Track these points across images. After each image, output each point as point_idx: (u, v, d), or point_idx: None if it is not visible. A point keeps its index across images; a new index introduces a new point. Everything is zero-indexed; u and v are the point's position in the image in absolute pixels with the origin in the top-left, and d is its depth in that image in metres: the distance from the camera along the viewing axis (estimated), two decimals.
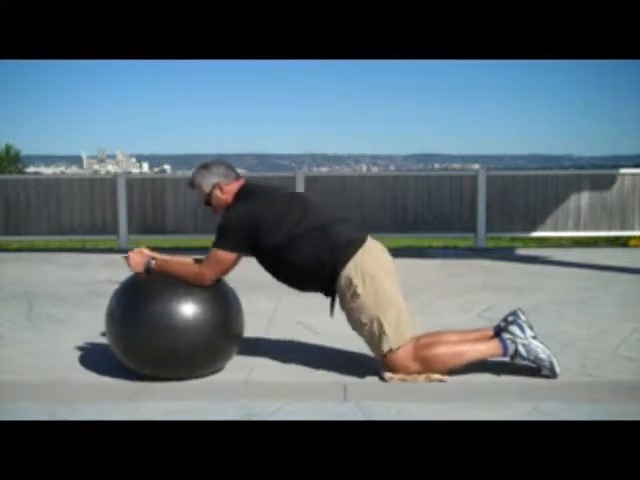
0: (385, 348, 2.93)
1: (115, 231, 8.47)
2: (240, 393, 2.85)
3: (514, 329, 3.02)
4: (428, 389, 2.87)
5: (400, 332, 2.94)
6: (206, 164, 3.19)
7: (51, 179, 9.31)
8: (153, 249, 3.19)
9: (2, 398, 2.77)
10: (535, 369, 2.99)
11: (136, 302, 2.95)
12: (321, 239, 2.97)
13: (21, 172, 29.97)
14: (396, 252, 8.59)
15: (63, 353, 3.49)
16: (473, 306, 4.56)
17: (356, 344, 3.48)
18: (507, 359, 3.02)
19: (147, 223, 8.53)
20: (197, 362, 3.00)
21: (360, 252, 2.97)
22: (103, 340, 3.67)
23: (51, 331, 4.00)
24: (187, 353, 2.92)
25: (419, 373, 2.95)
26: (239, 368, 3.19)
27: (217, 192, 3.10)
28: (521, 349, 2.98)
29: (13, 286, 5.64)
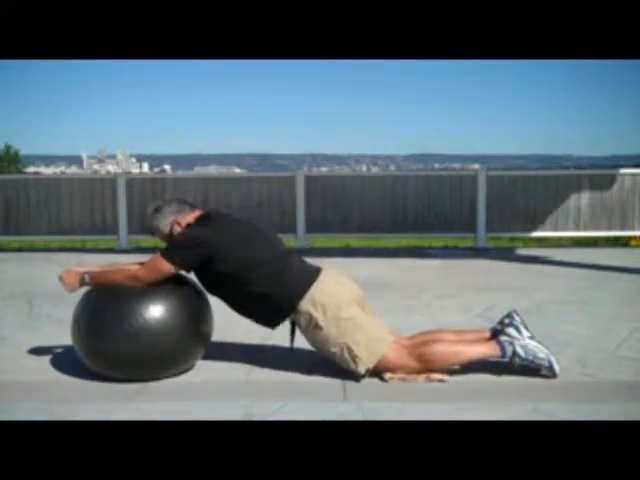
0: (362, 370, 2.94)
1: (115, 231, 8.47)
2: (240, 393, 2.85)
3: (511, 331, 3.03)
4: (428, 389, 2.87)
5: (372, 349, 2.93)
6: (157, 207, 3.20)
7: (51, 179, 9.31)
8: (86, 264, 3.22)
9: (2, 398, 2.78)
10: (534, 369, 2.99)
11: (100, 306, 2.96)
12: (277, 272, 2.99)
13: (21, 172, 29.97)
14: (396, 252, 8.60)
15: (63, 353, 3.49)
16: (473, 306, 4.56)
17: None
18: (506, 360, 3.02)
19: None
20: (162, 364, 2.99)
21: (315, 285, 2.99)
22: None
23: (51, 331, 4.00)
24: (152, 356, 2.92)
25: (417, 371, 2.96)
26: (239, 368, 3.19)
27: (176, 228, 3.13)
28: (519, 350, 2.98)
29: (13, 286, 5.64)
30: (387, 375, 2.97)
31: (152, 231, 3.22)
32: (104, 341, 2.90)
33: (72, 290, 3.07)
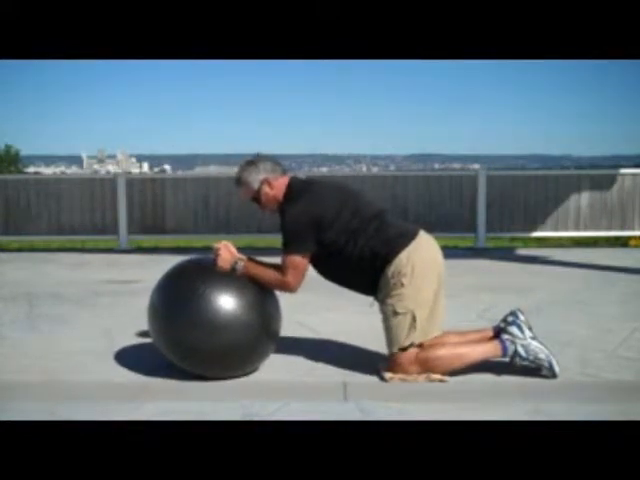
0: (407, 342, 2.92)
1: (115, 231, 8.47)
2: (240, 393, 2.85)
3: (513, 330, 3.03)
4: (428, 389, 2.87)
5: (426, 330, 2.95)
6: (252, 160, 3.15)
7: (51, 179, 9.31)
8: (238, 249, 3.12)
9: (2, 398, 2.78)
10: (535, 369, 2.99)
11: (180, 299, 2.90)
12: (376, 230, 2.98)
13: (21, 172, 29.98)
14: None
15: (63, 353, 3.49)
16: (473, 306, 4.55)
17: (356, 344, 3.49)
18: (507, 359, 3.02)
19: (147, 223, 8.53)
20: (239, 361, 2.98)
21: (414, 244, 2.98)
22: (104, 340, 3.67)
23: (51, 331, 4.00)
24: (230, 352, 2.90)
25: (419, 373, 2.95)
26: None
27: (266, 188, 3.08)
28: (520, 349, 2.98)
29: (13, 286, 5.64)
30: (387, 375, 2.97)
31: (240, 183, 3.14)
32: (185, 333, 2.86)
33: (222, 268, 2.97)
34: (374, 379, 3.00)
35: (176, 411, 2.59)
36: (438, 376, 2.95)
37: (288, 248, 2.96)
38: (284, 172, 3.15)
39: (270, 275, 3.00)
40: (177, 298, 2.92)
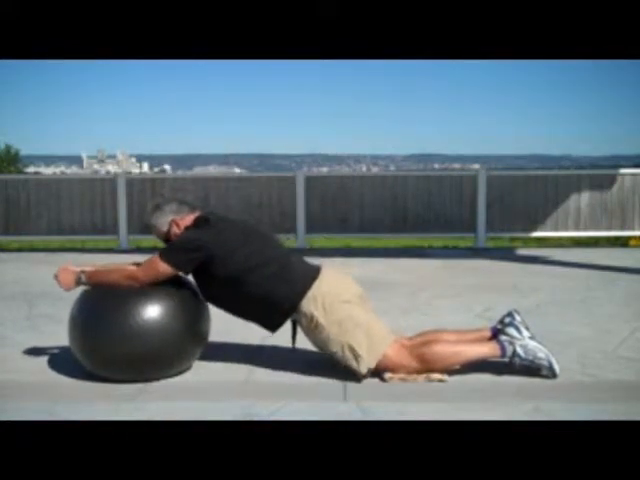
0: (364, 370, 2.93)
1: (115, 231, 8.47)
2: (240, 393, 2.85)
3: (511, 331, 3.03)
4: (428, 389, 2.87)
5: (374, 348, 2.93)
6: (157, 204, 3.22)
7: (51, 179, 9.31)
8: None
9: (2, 398, 2.78)
10: (534, 369, 2.99)
11: (96, 307, 2.96)
12: (277, 272, 2.99)
13: (21, 172, 29.97)
14: (396, 252, 8.60)
15: (63, 353, 3.48)
16: (473, 306, 4.55)
17: None
18: (506, 360, 3.02)
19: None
20: (159, 365, 2.99)
21: (317, 283, 2.99)
22: None
23: (51, 331, 4.00)
24: (149, 356, 2.92)
25: (418, 372, 2.96)
26: (239, 368, 3.19)
27: (174, 229, 3.13)
28: (519, 350, 2.98)
29: (13, 286, 5.64)
30: (387, 375, 2.97)
31: (150, 228, 3.23)
32: (100, 341, 2.90)
33: (68, 289, 3.08)
34: (374, 379, 3.00)
35: (176, 411, 2.59)
36: (438, 376, 2.95)
37: (161, 252, 2.99)
38: (192, 209, 3.20)
39: (115, 274, 3.04)
40: (93, 307, 2.96)
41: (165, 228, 3.16)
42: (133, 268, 3.05)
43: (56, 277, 3.09)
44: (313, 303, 2.95)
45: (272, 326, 3.11)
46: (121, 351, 2.88)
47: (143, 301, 2.92)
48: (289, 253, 3.16)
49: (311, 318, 2.95)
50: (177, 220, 3.13)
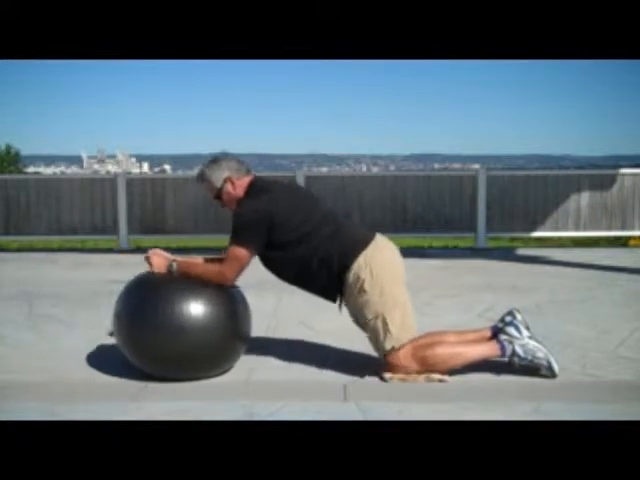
0: (388, 346, 2.93)
1: (115, 231, 8.47)
2: (240, 393, 2.85)
3: (511, 330, 3.03)
4: (428, 389, 2.87)
5: (403, 332, 2.94)
6: (216, 158, 3.16)
7: (51, 179, 9.31)
8: (165, 249, 3.19)
9: (2, 398, 2.78)
10: (534, 369, 2.99)
11: (144, 303, 2.94)
12: (331, 235, 2.98)
13: (21, 172, 29.97)
14: None
15: (63, 353, 3.49)
16: (473, 306, 4.56)
17: (356, 344, 3.49)
18: (505, 359, 3.02)
19: (147, 223, 8.53)
20: (205, 363, 2.99)
21: (370, 248, 2.97)
22: (103, 340, 3.67)
23: (51, 331, 4.00)
24: (195, 354, 2.91)
25: (419, 373, 2.96)
26: (239, 368, 3.19)
27: (228, 186, 3.08)
28: (518, 349, 2.98)
29: (13, 286, 5.64)
30: (387, 375, 2.97)
31: (203, 179, 3.15)
32: (149, 339, 2.89)
33: (160, 271, 3.01)
34: (374, 379, 3.00)
35: (176, 411, 2.59)
36: (438, 376, 2.95)
37: (234, 239, 2.96)
38: (248, 172, 3.15)
39: (205, 269, 3.02)
40: (140, 304, 2.95)
41: (219, 184, 3.09)
42: (220, 265, 2.99)
43: (147, 259, 3.05)
44: (363, 266, 2.93)
45: (330, 293, 3.06)
46: (169, 349, 2.87)
47: (190, 299, 2.90)
48: (341, 216, 3.12)
49: (358, 280, 2.93)
50: (233, 178, 3.08)
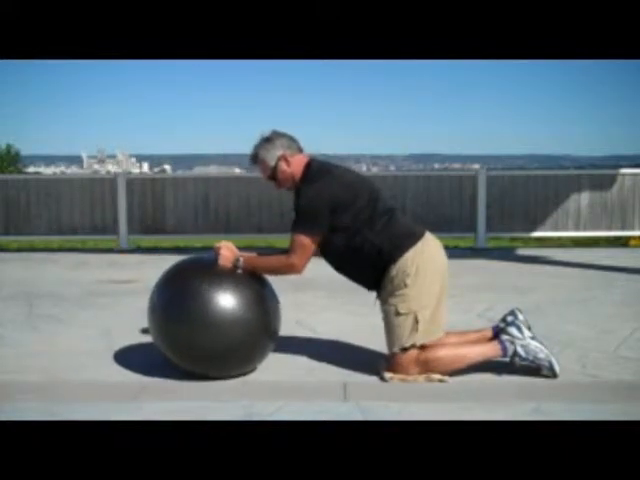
0: (408, 343, 2.92)
1: (115, 231, 8.47)
2: (240, 393, 2.85)
3: (512, 330, 3.03)
4: (428, 389, 2.87)
5: (428, 332, 2.94)
6: (268, 137, 3.08)
7: (51, 179, 9.31)
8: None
9: (2, 398, 2.77)
10: (535, 369, 2.99)
11: (180, 298, 2.90)
12: (384, 226, 2.96)
13: (21, 172, 29.99)
14: None
15: (63, 353, 3.49)
16: (473, 306, 4.55)
17: (356, 344, 3.49)
18: (507, 359, 3.02)
19: (147, 223, 8.53)
20: (239, 360, 2.98)
21: (419, 245, 2.96)
22: (103, 340, 3.67)
23: (51, 331, 4.00)
24: (230, 350, 2.90)
25: (420, 373, 2.95)
26: None
27: (282, 165, 3.03)
28: (520, 350, 2.98)
29: (13, 286, 5.64)
30: (387, 375, 2.97)
31: (257, 160, 3.10)
32: (187, 333, 2.87)
33: (225, 266, 2.97)
34: (374, 379, 3.00)
35: (176, 411, 2.59)
36: (438, 376, 2.95)
37: (299, 227, 2.92)
38: (300, 149, 3.09)
39: (272, 261, 3.00)
40: (176, 297, 2.92)
41: (273, 163, 3.03)
42: (284, 256, 2.97)
43: (218, 250, 3.01)
44: (410, 261, 2.92)
45: (370, 281, 3.04)
46: (205, 344, 2.86)
47: (223, 295, 2.88)
48: (395, 208, 3.10)
49: (402, 273, 2.91)
50: (287, 156, 3.02)
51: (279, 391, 2.86)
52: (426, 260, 2.95)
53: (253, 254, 3.08)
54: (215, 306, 2.86)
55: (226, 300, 2.87)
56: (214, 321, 2.85)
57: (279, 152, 3.02)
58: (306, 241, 2.91)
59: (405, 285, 2.92)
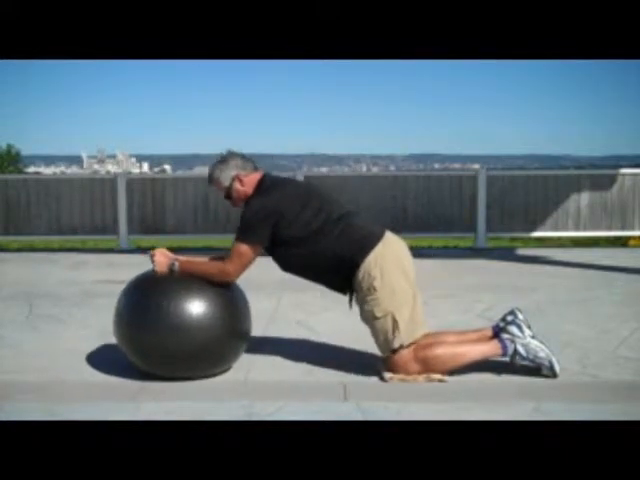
0: (396, 344, 2.93)
1: (115, 231, 8.47)
2: (240, 393, 2.85)
3: (512, 329, 3.03)
4: (428, 389, 2.87)
5: (411, 330, 2.94)
6: (223, 158, 3.17)
7: (51, 179, 9.31)
8: (170, 249, 3.20)
9: (2, 398, 2.77)
10: (535, 369, 2.99)
11: (145, 301, 2.95)
12: (341, 232, 2.97)
13: (21, 172, 29.99)
14: None
15: (63, 353, 3.49)
16: (473, 306, 4.55)
17: (356, 344, 3.49)
18: (507, 359, 3.02)
19: (147, 223, 8.53)
20: (206, 362, 2.99)
21: (380, 246, 2.97)
22: (103, 340, 3.67)
23: (51, 331, 4.00)
24: (196, 353, 2.92)
25: (419, 373, 2.95)
26: (239, 368, 3.19)
27: (237, 184, 3.10)
28: (520, 349, 2.98)
29: (13, 286, 5.64)
30: (387, 375, 2.97)
31: (212, 180, 3.18)
32: (150, 337, 2.90)
33: (161, 271, 3.04)
34: (374, 379, 3.00)
35: (175, 411, 2.59)
36: (438, 376, 2.95)
37: (239, 236, 2.98)
38: (255, 168, 3.17)
39: (208, 267, 3.03)
40: (143, 301, 2.95)
41: (227, 183, 3.12)
42: (222, 262, 3.01)
43: (152, 257, 3.07)
44: (374, 264, 2.93)
45: (339, 286, 3.08)
46: (168, 346, 2.88)
47: (190, 297, 2.91)
48: (352, 213, 3.13)
49: (368, 277, 2.93)
50: (241, 176, 3.10)
51: (279, 391, 2.86)
52: (389, 260, 2.96)
53: (190, 258, 3.12)
54: (182, 310, 2.88)
55: (193, 304, 2.90)
56: (182, 325, 2.87)
57: (233, 172, 3.11)
58: (244, 250, 2.96)
59: (374, 289, 2.93)
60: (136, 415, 2.56)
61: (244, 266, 2.99)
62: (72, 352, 3.50)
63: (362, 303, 3.00)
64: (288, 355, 3.37)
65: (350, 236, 2.97)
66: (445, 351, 2.97)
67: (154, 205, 8.53)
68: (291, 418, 2.50)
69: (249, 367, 3.21)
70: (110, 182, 8.57)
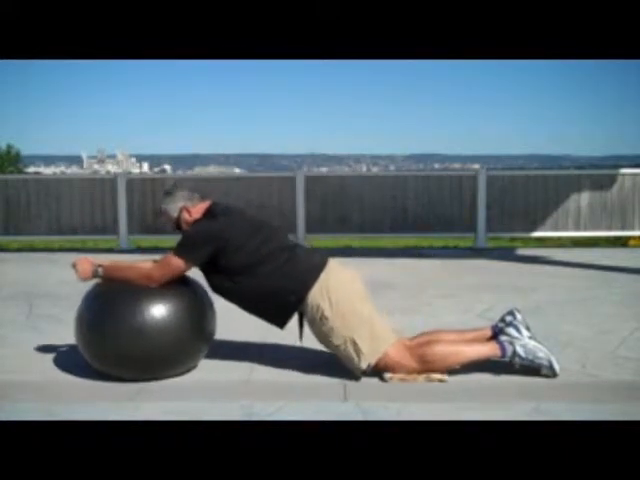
0: (364, 365, 2.93)
1: (115, 231, 8.47)
2: (240, 393, 2.85)
3: (511, 331, 3.03)
4: (428, 389, 2.87)
5: (375, 346, 2.94)
6: (169, 191, 3.26)
7: (51, 179, 9.30)
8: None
9: (2, 398, 2.77)
10: (534, 369, 2.99)
11: (104, 305, 2.97)
12: (284, 264, 2.99)
13: (21, 172, 29.97)
14: (396, 252, 8.58)
15: (63, 353, 3.49)
16: (473, 306, 4.55)
17: None
18: (506, 360, 3.02)
19: (147, 223, 8.53)
20: (166, 363, 3.00)
21: (324, 275, 2.99)
22: None
23: (51, 331, 4.00)
24: (156, 355, 2.93)
25: (418, 372, 2.96)
26: (239, 368, 3.19)
27: (185, 215, 3.16)
28: (519, 350, 2.98)
29: (13, 286, 5.64)
30: (387, 375, 2.97)
31: (161, 213, 3.25)
32: (107, 339, 2.91)
33: (84, 279, 3.09)
34: (374, 379, 3.00)
35: (176, 411, 2.59)
36: (438, 376, 2.95)
37: (176, 249, 3.00)
38: (202, 198, 3.25)
39: (131, 272, 3.04)
40: (105, 305, 2.96)
41: (175, 214, 3.18)
42: (149, 266, 3.03)
43: (74, 266, 3.11)
44: (320, 295, 2.94)
45: (280, 320, 3.08)
46: (127, 349, 2.89)
47: (150, 299, 2.92)
48: (296, 245, 3.16)
49: (317, 309, 2.94)
50: (188, 207, 3.17)
51: (279, 391, 2.86)
52: (335, 288, 2.97)
53: (115, 263, 3.14)
54: (144, 313, 2.88)
55: (155, 307, 2.90)
56: (143, 328, 2.87)
57: (180, 204, 3.19)
58: (176, 263, 2.98)
59: (326, 318, 2.94)
60: (135, 415, 2.56)
61: (170, 277, 3.00)
62: (72, 352, 3.50)
63: (318, 334, 3.02)
64: (288, 355, 3.37)
65: (295, 268, 2.99)
66: (443, 348, 2.98)
67: (154, 205, 8.53)
68: (291, 418, 2.50)
69: (249, 367, 3.21)
70: (110, 182, 8.57)
